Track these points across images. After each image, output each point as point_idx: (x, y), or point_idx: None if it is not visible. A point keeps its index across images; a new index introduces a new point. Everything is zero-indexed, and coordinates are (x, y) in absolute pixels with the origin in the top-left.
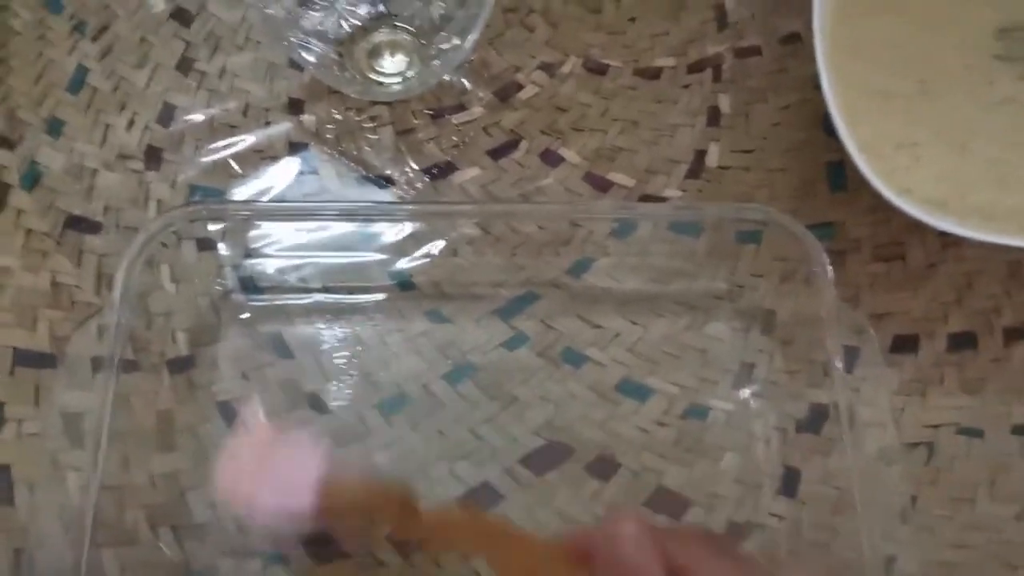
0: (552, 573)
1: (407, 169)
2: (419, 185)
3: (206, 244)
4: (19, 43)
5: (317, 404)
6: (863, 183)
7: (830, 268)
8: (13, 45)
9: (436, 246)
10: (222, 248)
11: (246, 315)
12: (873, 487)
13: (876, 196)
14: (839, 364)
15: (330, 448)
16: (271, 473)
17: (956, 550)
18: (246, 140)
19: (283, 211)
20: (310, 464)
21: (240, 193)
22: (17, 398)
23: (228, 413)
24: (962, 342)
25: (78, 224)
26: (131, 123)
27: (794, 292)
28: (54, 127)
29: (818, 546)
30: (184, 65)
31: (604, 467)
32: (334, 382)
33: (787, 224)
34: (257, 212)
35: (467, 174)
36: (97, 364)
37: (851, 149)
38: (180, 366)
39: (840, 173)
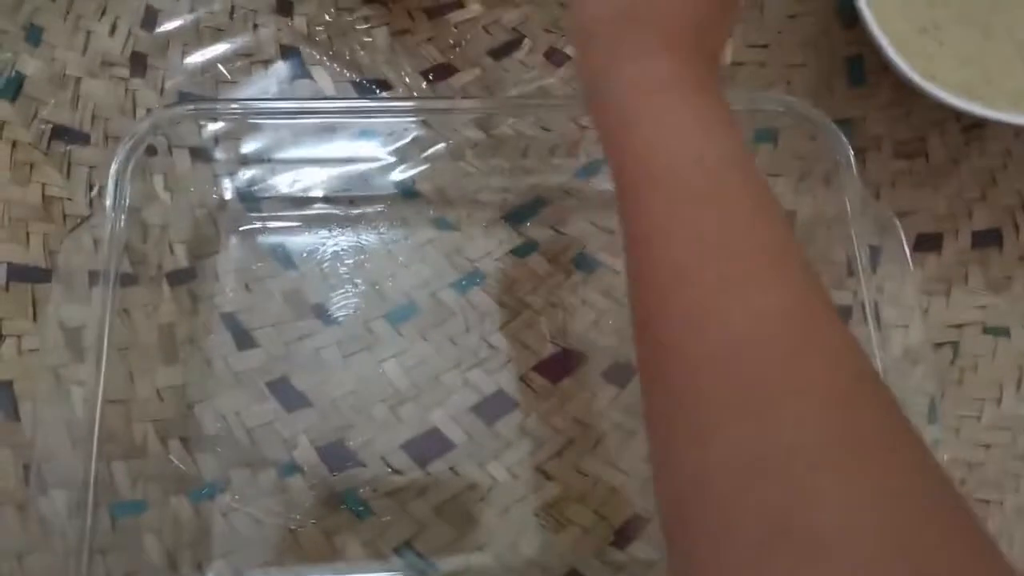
0: None
1: (404, 72)
2: (417, 89)
3: (200, 153)
4: None
5: (323, 314)
6: (883, 78)
7: (854, 160)
8: None
9: (438, 151)
10: (217, 155)
11: (245, 226)
12: (899, 387)
13: (896, 90)
14: (865, 262)
15: None
16: None
17: (982, 450)
18: (234, 44)
19: (276, 111)
20: None
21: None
22: (14, 313)
23: (233, 325)
24: (986, 239)
25: (65, 135)
26: (113, 28)
27: (813, 190)
28: (33, 34)
29: None
30: None
31: (620, 373)
32: (339, 292)
33: (809, 115)
34: (249, 111)
35: (467, 76)
36: (94, 278)
37: (875, 32)
38: (180, 278)
39: (859, 67)
